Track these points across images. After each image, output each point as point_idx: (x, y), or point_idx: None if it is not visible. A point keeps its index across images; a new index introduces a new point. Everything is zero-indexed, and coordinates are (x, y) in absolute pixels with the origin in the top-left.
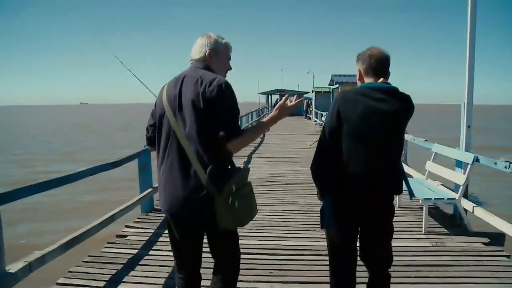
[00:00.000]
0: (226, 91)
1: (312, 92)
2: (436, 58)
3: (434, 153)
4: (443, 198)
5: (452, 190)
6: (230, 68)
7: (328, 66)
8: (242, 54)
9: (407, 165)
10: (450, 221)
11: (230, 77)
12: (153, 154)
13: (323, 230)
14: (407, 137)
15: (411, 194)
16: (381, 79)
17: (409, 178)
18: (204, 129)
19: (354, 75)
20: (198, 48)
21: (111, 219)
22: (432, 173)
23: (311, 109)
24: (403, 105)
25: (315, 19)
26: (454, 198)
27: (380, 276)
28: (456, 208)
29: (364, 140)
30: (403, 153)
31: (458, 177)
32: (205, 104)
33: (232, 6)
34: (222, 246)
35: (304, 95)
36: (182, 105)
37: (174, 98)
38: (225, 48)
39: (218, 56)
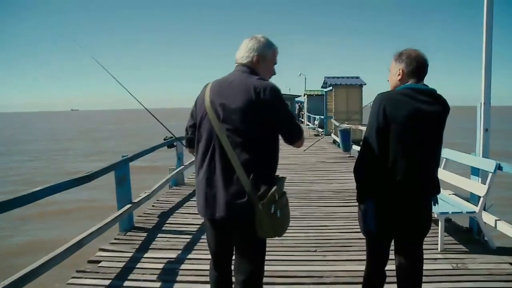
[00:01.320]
0: (280, 98)
1: (304, 95)
2: (442, 58)
3: (444, 159)
4: (461, 212)
5: (466, 200)
6: (275, 73)
7: (320, 69)
8: (231, 57)
9: None
10: (467, 235)
11: None
12: (132, 164)
13: (324, 252)
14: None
15: (436, 201)
16: (419, 81)
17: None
18: (253, 136)
19: (348, 77)
20: (246, 52)
21: (79, 245)
22: (442, 181)
23: (303, 112)
24: (442, 107)
25: (306, 21)
26: (474, 212)
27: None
28: (473, 220)
29: (411, 141)
30: None
31: (478, 187)
32: (259, 112)
33: (219, 8)
34: (248, 259)
35: (296, 99)
36: (228, 111)
37: (220, 102)
38: (273, 53)
39: (265, 62)
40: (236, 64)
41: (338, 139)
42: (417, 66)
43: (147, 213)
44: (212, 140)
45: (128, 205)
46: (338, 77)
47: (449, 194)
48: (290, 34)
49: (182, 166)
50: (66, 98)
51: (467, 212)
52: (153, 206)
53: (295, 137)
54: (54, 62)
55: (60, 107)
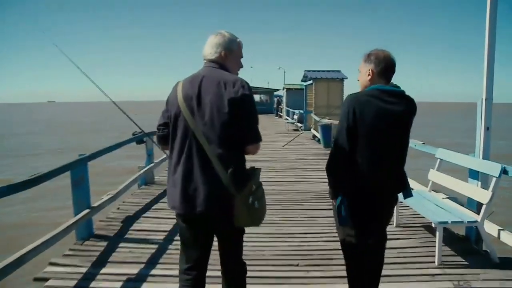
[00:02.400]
0: (250, 95)
1: (283, 89)
2: (436, 56)
3: (439, 160)
4: (462, 221)
5: (461, 205)
6: (242, 66)
7: (300, 63)
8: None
9: None
10: (464, 245)
11: None
12: (91, 164)
13: (307, 266)
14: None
15: (410, 194)
16: (387, 82)
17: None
18: (227, 131)
19: (329, 71)
20: (213, 48)
21: (18, 263)
22: (435, 184)
23: (281, 106)
24: (409, 107)
25: (285, 15)
26: (476, 221)
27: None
28: (471, 228)
29: (379, 141)
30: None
31: (480, 193)
32: (230, 107)
33: (199, 5)
34: (231, 249)
35: (275, 93)
36: (202, 106)
37: (192, 98)
38: (238, 47)
39: (232, 56)
40: (205, 61)
41: (318, 135)
42: (385, 66)
43: (110, 218)
44: (187, 136)
45: (86, 210)
46: (319, 71)
47: (443, 198)
48: (268, 31)
49: (152, 164)
50: (44, 89)
51: (468, 222)
52: (118, 209)
53: (254, 139)
54: (31, 53)
55: (37, 98)
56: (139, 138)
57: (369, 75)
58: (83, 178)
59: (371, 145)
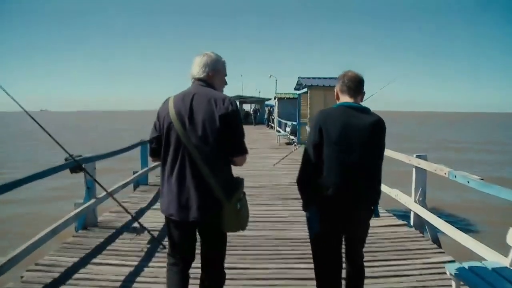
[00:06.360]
0: (237, 112)
1: (275, 99)
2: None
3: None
4: (485, 267)
5: None
6: (226, 83)
7: (292, 71)
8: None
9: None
10: None
11: None
12: None
13: None
14: (459, 174)
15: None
16: (353, 99)
17: (484, 262)
18: (218, 144)
19: (325, 78)
20: (201, 68)
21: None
22: None
23: (273, 117)
24: (375, 121)
25: (277, 23)
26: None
27: (357, 270)
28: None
29: (344, 152)
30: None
31: None
32: (221, 123)
33: (191, 13)
34: (214, 255)
35: (266, 102)
36: (194, 122)
37: (185, 113)
38: (223, 66)
39: (219, 75)
40: (193, 79)
41: None
42: (346, 84)
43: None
44: (179, 149)
45: None
46: (314, 78)
47: None
48: (259, 40)
49: (94, 200)
50: (37, 97)
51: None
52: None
53: (240, 151)
54: (27, 57)
55: (30, 106)
56: (72, 165)
57: (336, 94)
58: None
59: (337, 158)
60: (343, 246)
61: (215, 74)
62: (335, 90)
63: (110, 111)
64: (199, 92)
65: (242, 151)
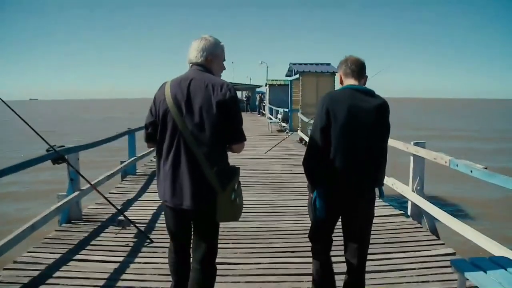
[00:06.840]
0: (236, 98)
1: (266, 85)
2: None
3: None
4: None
5: None
6: (225, 68)
7: (283, 58)
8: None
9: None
10: None
11: None
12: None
13: None
14: (460, 162)
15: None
16: (358, 82)
17: (491, 258)
18: (215, 131)
19: (317, 64)
20: (199, 52)
21: None
22: None
23: (264, 104)
24: (378, 103)
25: (267, 10)
26: None
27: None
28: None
29: (351, 134)
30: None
31: None
32: (218, 109)
33: (180, 3)
34: (207, 239)
35: (257, 89)
36: (191, 107)
37: (181, 98)
38: (222, 51)
39: (217, 59)
40: (191, 64)
41: (306, 138)
42: (349, 67)
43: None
44: (176, 135)
45: None
46: (306, 64)
47: None
48: (250, 27)
49: (77, 192)
50: (26, 85)
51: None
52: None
53: (239, 138)
54: (14, 46)
55: (18, 96)
56: (53, 156)
57: (340, 78)
58: None
59: (344, 140)
60: (343, 246)
61: (213, 58)
62: (338, 75)
63: (102, 99)
64: (196, 77)
65: (240, 138)
